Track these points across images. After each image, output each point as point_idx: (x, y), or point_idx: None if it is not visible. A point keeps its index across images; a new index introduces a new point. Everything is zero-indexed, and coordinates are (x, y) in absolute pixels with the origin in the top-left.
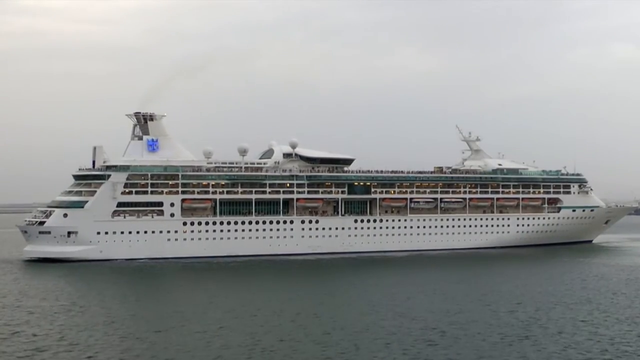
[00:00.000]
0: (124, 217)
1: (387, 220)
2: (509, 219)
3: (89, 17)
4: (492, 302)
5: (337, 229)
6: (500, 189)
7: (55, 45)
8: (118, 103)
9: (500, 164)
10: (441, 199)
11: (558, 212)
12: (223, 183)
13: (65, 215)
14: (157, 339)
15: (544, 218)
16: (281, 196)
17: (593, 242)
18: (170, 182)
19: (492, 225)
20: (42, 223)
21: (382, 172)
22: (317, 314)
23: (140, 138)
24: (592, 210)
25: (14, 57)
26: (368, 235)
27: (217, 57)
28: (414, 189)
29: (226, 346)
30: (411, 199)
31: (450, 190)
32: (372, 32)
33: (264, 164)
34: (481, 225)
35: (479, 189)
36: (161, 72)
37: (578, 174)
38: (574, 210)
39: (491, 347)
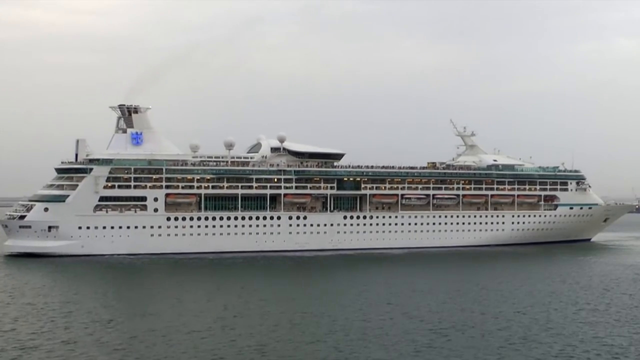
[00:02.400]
0: (106, 211)
1: (377, 217)
2: (503, 216)
3: (81, 7)
4: (492, 302)
5: (325, 225)
6: (495, 186)
7: (46, 36)
8: (106, 95)
9: (495, 160)
10: (433, 195)
11: (555, 209)
12: (208, 177)
13: (46, 209)
14: (152, 339)
15: (540, 216)
16: (268, 191)
17: (592, 240)
18: (154, 177)
19: (487, 223)
20: (22, 217)
21: (372, 167)
22: (314, 313)
23: (125, 131)
24: (590, 208)
25: (4, 48)
26: (357, 232)
27: (208, 48)
28: (406, 185)
29: (226, 346)
30: (402, 195)
31: (443, 186)
32: (370, 25)
33: (251, 158)
34: (475, 223)
35: (472, 185)
36: (150, 64)
37: (576, 171)
38: (571, 208)
39: (492, 349)
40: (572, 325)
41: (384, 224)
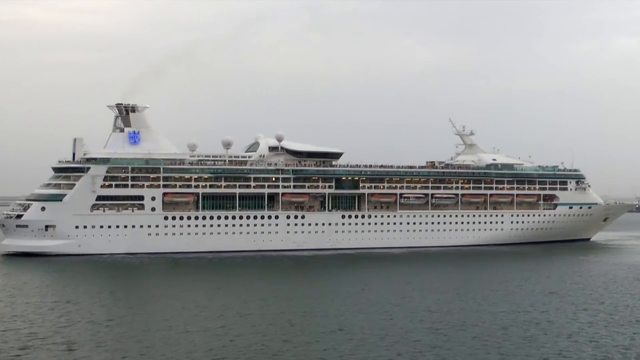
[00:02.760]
0: (104, 211)
1: (375, 216)
2: (502, 215)
3: (79, 6)
4: (492, 302)
5: (323, 224)
6: (494, 185)
7: (45, 35)
8: (105, 94)
9: (494, 159)
10: (432, 194)
11: (554, 209)
12: (206, 177)
13: (43, 208)
14: (151, 339)
15: (539, 215)
16: (266, 190)
17: (591, 240)
18: (152, 176)
19: (485, 222)
20: (20, 216)
21: (370, 166)
22: (314, 313)
23: (122, 130)
24: (589, 208)
25: (2, 47)
26: (356, 231)
27: (207, 47)
28: (404, 184)
29: (226, 346)
30: (401, 194)
31: (442, 185)
32: (370, 24)
33: (249, 157)
34: (473, 222)
35: (471, 185)
36: (149, 63)
37: (576, 170)
38: (570, 207)
39: (492, 348)
40: (572, 325)
41: (382, 224)
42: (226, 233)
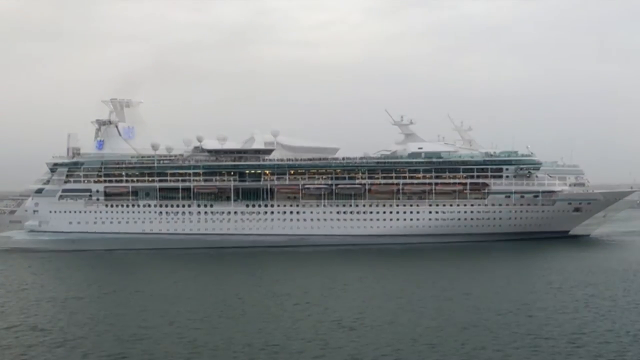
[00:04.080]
0: (98, 206)
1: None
2: (501, 212)
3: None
4: (492, 300)
5: (319, 220)
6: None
7: (43, 31)
8: (103, 90)
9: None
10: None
11: (553, 205)
12: (201, 172)
13: (36, 204)
14: (151, 335)
15: (537, 212)
16: (261, 184)
17: (591, 235)
18: (146, 171)
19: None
20: (13, 212)
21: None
22: (311, 311)
23: (116, 125)
24: (589, 204)
25: None
26: (352, 227)
27: (207, 44)
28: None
29: (226, 343)
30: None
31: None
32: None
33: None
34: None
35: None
36: (149, 60)
37: (575, 165)
38: (569, 204)
39: (492, 346)
40: (574, 323)
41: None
42: (221, 228)
